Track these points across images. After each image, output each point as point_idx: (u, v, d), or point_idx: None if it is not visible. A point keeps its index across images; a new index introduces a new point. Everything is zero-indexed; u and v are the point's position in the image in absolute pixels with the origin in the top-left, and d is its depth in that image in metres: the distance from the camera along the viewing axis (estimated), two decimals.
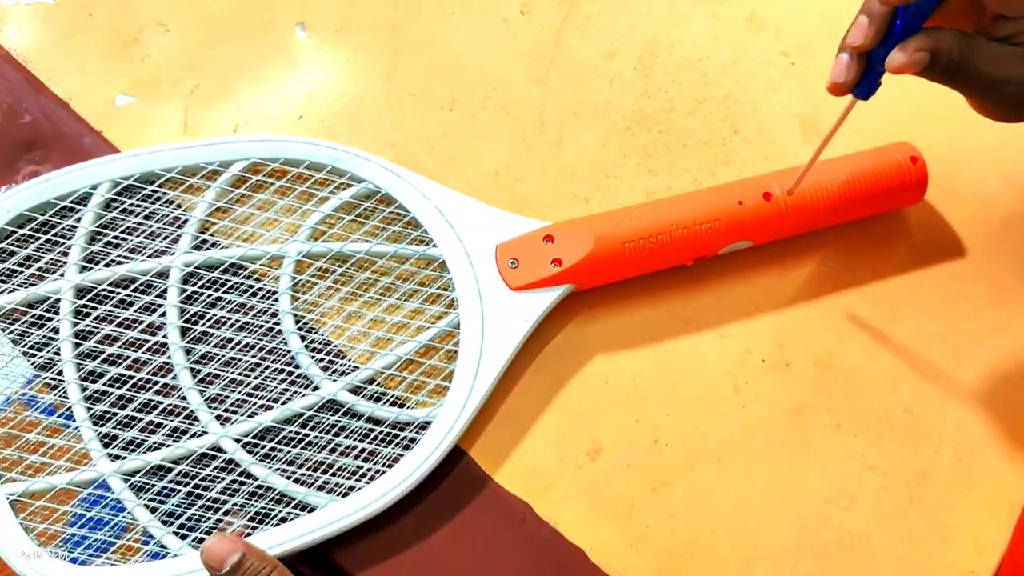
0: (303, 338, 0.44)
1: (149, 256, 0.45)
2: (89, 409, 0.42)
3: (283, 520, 0.40)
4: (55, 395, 0.42)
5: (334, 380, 0.43)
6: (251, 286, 0.45)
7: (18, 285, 0.44)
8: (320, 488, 0.41)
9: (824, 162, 0.48)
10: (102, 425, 0.42)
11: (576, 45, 0.55)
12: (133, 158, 0.46)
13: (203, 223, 0.46)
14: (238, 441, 0.42)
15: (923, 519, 0.43)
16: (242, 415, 0.42)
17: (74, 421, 0.41)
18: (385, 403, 0.43)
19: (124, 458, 0.41)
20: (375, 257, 0.46)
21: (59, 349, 0.43)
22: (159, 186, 0.46)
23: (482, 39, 0.55)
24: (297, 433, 0.42)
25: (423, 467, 0.41)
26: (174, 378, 0.43)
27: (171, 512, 0.41)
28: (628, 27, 0.56)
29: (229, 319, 0.44)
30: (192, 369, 0.43)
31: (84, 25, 0.53)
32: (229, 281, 0.45)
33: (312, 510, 0.40)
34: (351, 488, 0.41)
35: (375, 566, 0.41)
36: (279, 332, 0.44)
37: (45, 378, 0.43)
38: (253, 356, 0.44)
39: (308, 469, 0.42)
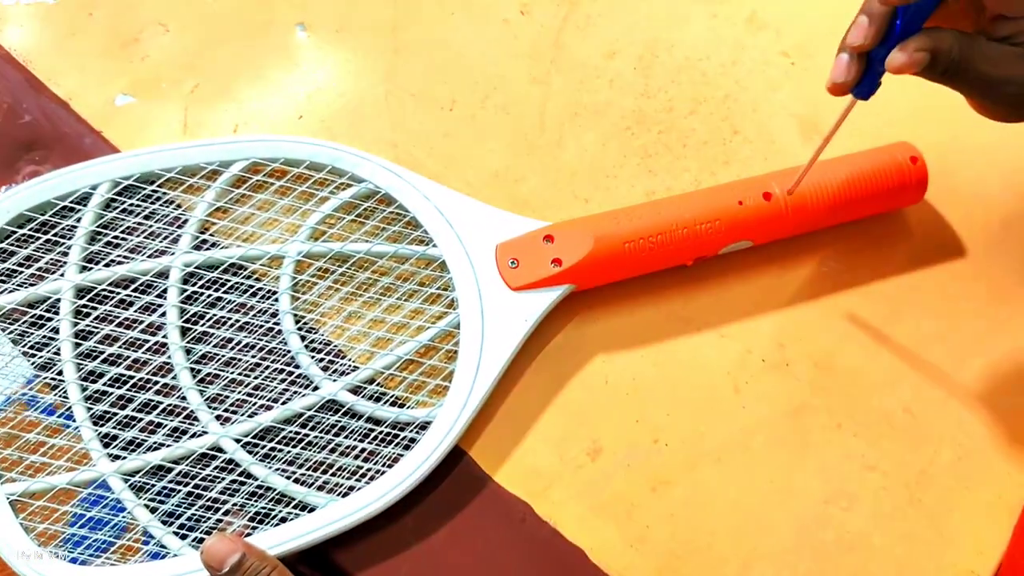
0: (303, 338, 0.44)
1: (149, 256, 0.45)
2: (89, 409, 0.42)
3: (283, 520, 0.40)
4: (55, 395, 0.42)
5: (334, 380, 0.43)
6: (251, 286, 0.45)
7: (18, 285, 0.44)
8: (320, 488, 0.41)
9: (824, 162, 0.48)
10: (102, 425, 0.42)
11: (576, 45, 0.55)
12: (133, 158, 0.46)
13: (203, 223, 0.46)
14: (238, 441, 0.42)
15: (923, 519, 0.43)
16: (242, 415, 0.42)
17: (74, 421, 0.41)
18: (385, 403, 0.43)
19: (124, 458, 0.41)
20: (375, 257, 0.46)
21: (59, 349, 0.43)
22: (159, 186, 0.46)
23: (482, 39, 0.55)
24: (297, 433, 0.42)
25: (423, 467, 0.41)
26: (174, 378, 0.43)
27: (171, 512, 0.41)
28: (628, 27, 0.56)
29: (229, 319, 0.44)
30: (192, 369, 0.43)
31: (84, 25, 0.53)
32: (229, 281, 0.45)
33: (312, 510, 0.40)
34: (351, 488, 0.41)
35: (375, 566, 0.41)
36: (279, 332, 0.44)
37: (45, 378, 0.43)
38: (253, 356, 0.44)
39: (308, 469, 0.42)
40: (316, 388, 0.43)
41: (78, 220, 0.45)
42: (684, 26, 0.57)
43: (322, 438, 0.42)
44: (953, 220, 0.51)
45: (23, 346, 0.43)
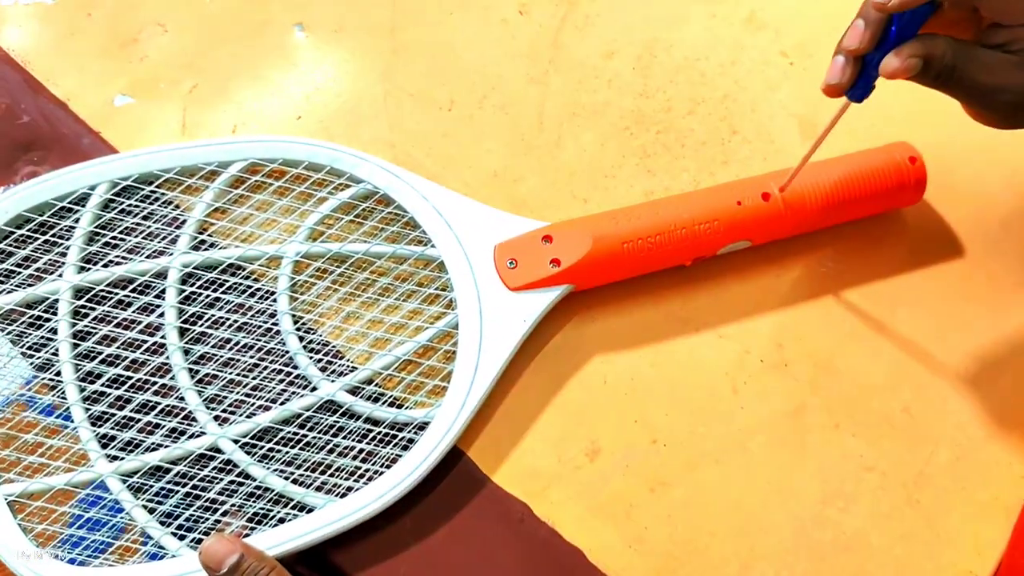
0: (301, 338, 0.44)
1: (147, 257, 0.45)
2: (87, 410, 0.42)
3: (281, 521, 0.40)
4: (53, 395, 0.42)
5: (332, 380, 0.43)
6: (249, 286, 0.45)
7: (16, 286, 0.44)
8: (318, 489, 0.41)
9: (823, 162, 0.48)
10: (100, 426, 0.42)
11: (575, 45, 0.55)
12: (131, 159, 0.46)
13: (201, 223, 0.46)
14: (236, 442, 0.42)
15: (921, 519, 0.43)
16: (240, 416, 0.42)
17: (72, 421, 0.41)
18: (383, 403, 0.43)
19: (122, 459, 0.41)
20: (373, 257, 0.46)
21: (57, 350, 0.43)
22: (157, 187, 0.46)
23: (481, 39, 0.55)
24: (295, 434, 0.42)
25: (421, 468, 0.41)
26: (172, 379, 0.43)
27: (169, 513, 0.41)
28: (627, 27, 0.56)
29: (227, 319, 0.44)
30: (190, 370, 0.43)
31: (83, 26, 0.53)
32: (227, 282, 0.45)
33: (310, 511, 0.40)
34: (349, 489, 0.41)
35: (373, 566, 0.41)
36: (277, 332, 0.44)
37: (43, 379, 0.43)
38: (251, 357, 0.44)
39: (306, 470, 0.42)
40: (314, 388, 0.43)
41: (76, 221, 0.45)
42: (683, 26, 0.57)
43: (320, 439, 0.42)
44: (952, 220, 0.51)
45: (21, 346, 0.43)
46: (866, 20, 0.36)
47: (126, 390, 0.42)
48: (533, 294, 0.44)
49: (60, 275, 0.44)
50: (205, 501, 0.41)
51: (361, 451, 0.42)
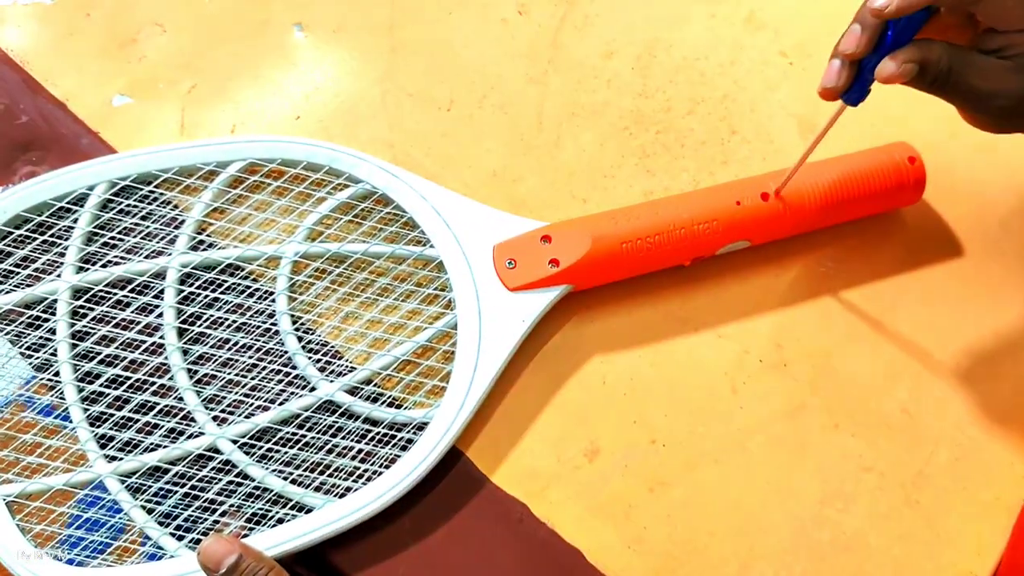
0: (300, 339, 0.44)
1: (146, 257, 0.45)
2: (86, 410, 0.42)
3: (280, 521, 0.40)
4: (52, 396, 0.42)
5: (331, 381, 0.43)
6: (248, 287, 0.45)
7: (15, 286, 0.44)
8: (317, 489, 0.41)
9: (821, 162, 0.48)
10: (99, 426, 0.42)
11: (574, 45, 0.55)
12: (130, 159, 0.46)
13: (200, 224, 0.46)
14: (235, 442, 0.42)
15: (921, 520, 0.43)
16: (239, 416, 0.42)
17: (71, 422, 0.41)
18: (382, 404, 0.43)
19: (121, 459, 0.41)
20: (372, 258, 0.46)
21: (56, 350, 0.43)
22: (156, 187, 0.46)
23: (480, 39, 0.55)
24: (294, 434, 0.42)
25: (420, 468, 0.41)
26: (171, 379, 0.43)
27: (168, 513, 0.41)
28: (626, 27, 0.56)
29: (226, 320, 0.44)
30: (189, 370, 0.43)
31: (81, 26, 0.53)
32: (226, 282, 0.45)
33: (309, 511, 0.40)
34: (348, 489, 0.41)
35: (372, 567, 0.41)
36: (276, 333, 0.44)
37: (42, 379, 0.43)
38: (250, 357, 0.44)
39: (305, 470, 0.42)
40: (313, 389, 0.43)
41: (75, 221, 0.45)
42: (682, 26, 0.57)
43: (319, 439, 0.42)
44: (951, 220, 0.51)
45: (20, 347, 0.43)
46: (863, 25, 0.36)
47: (125, 390, 0.42)
48: (532, 294, 0.44)
49: (59, 275, 0.44)
50: (204, 501, 0.41)
51: (360, 451, 0.42)
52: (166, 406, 0.43)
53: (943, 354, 0.47)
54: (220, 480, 0.41)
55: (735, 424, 0.45)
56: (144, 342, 0.44)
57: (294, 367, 0.44)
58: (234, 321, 0.44)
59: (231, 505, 0.41)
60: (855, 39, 0.36)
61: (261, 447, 0.42)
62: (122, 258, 0.45)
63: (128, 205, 0.46)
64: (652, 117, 0.53)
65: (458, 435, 0.42)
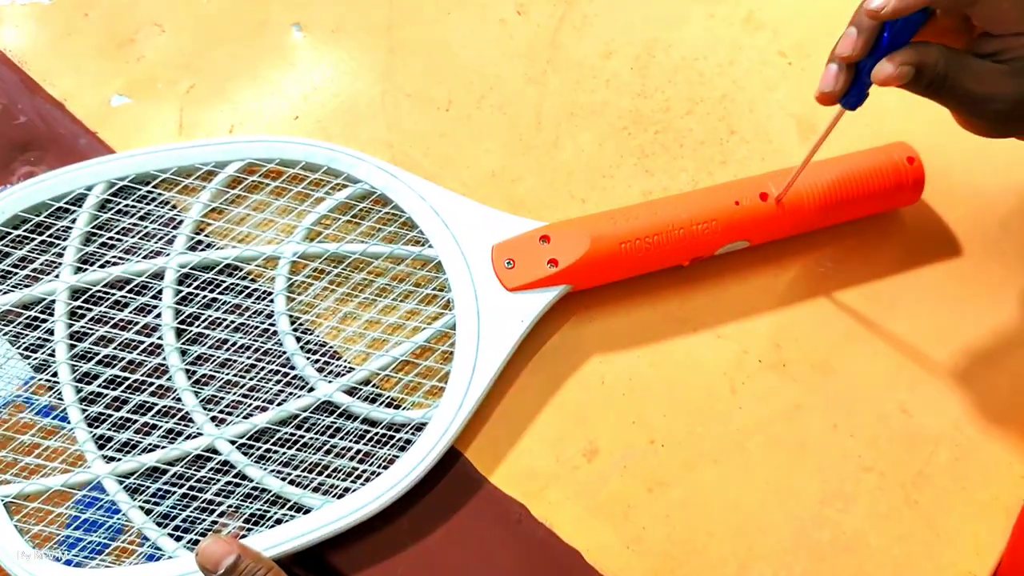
0: (298, 339, 0.44)
1: (144, 257, 0.45)
2: (84, 410, 0.42)
3: (278, 522, 0.40)
4: (50, 396, 0.42)
5: (329, 381, 0.43)
6: (246, 287, 0.45)
7: (13, 286, 0.44)
8: (315, 489, 0.41)
9: (821, 162, 0.48)
10: (97, 427, 0.42)
11: (573, 45, 0.55)
12: (128, 159, 0.46)
13: (198, 224, 0.46)
14: (233, 443, 0.42)
15: (920, 520, 0.43)
16: (237, 417, 0.42)
17: (69, 422, 0.41)
18: (381, 404, 0.43)
19: (119, 460, 0.41)
20: (371, 258, 0.46)
21: (54, 351, 0.42)
22: (154, 187, 0.46)
23: (478, 39, 0.55)
24: (292, 434, 0.42)
25: (419, 468, 0.41)
26: (169, 380, 0.43)
27: (166, 514, 0.41)
28: (625, 27, 0.56)
29: (224, 320, 0.44)
30: (187, 371, 0.43)
31: (80, 26, 0.53)
32: (224, 282, 0.45)
33: (307, 512, 0.40)
34: (346, 489, 0.41)
35: (371, 567, 0.41)
36: (274, 333, 0.44)
37: (40, 380, 0.42)
38: (248, 357, 0.44)
39: (303, 471, 0.42)
40: (311, 389, 0.43)
41: (73, 221, 0.45)
42: (681, 26, 0.56)
43: (317, 439, 0.42)
44: (950, 220, 0.51)
45: (18, 347, 0.43)
46: (859, 27, 0.36)
47: (123, 391, 0.42)
48: (531, 294, 0.44)
49: (57, 276, 0.44)
50: (202, 502, 0.41)
51: (358, 452, 0.42)
52: (164, 407, 0.42)
53: (942, 354, 0.47)
54: (218, 481, 0.41)
55: (734, 424, 0.45)
56: (142, 342, 0.43)
57: (292, 367, 0.44)
58: (232, 321, 0.44)
59: (229, 506, 0.41)
60: (851, 42, 0.37)
61: (259, 448, 0.42)
62: (120, 258, 0.45)
63: (126, 205, 0.46)
64: (651, 117, 0.53)
65: (457, 435, 0.42)
